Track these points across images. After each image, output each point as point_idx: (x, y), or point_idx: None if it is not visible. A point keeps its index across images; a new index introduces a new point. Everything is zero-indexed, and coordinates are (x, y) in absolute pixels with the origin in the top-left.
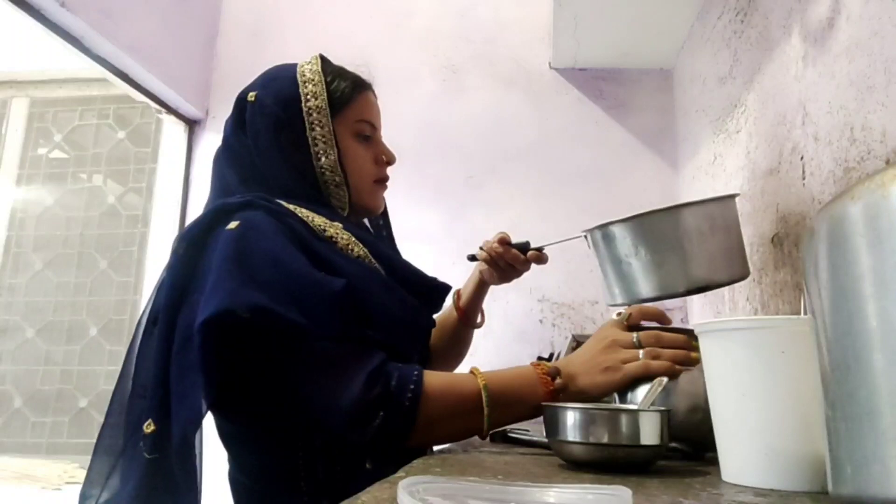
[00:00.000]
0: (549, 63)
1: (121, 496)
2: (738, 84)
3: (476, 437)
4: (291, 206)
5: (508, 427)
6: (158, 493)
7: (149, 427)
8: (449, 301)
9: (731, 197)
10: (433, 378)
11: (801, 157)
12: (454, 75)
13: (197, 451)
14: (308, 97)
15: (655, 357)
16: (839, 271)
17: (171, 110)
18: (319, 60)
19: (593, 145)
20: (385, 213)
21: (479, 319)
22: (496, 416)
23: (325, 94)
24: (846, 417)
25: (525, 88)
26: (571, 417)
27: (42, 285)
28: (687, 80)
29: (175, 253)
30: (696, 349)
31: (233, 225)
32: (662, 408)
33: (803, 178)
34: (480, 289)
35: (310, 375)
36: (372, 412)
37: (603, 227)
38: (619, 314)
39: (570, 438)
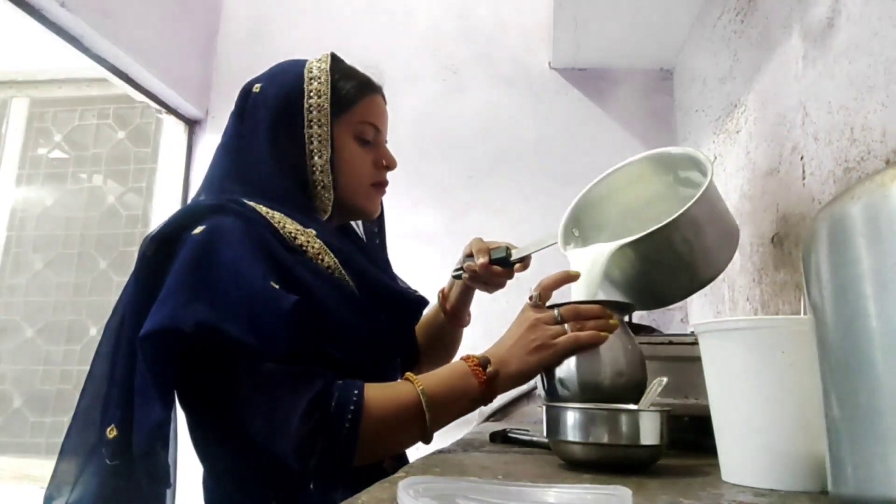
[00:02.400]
0: (549, 63)
1: (84, 500)
2: (738, 84)
3: (476, 437)
4: (264, 210)
5: (508, 427)
6: (121, 499)
7: (111, 432)
8: (434, 301)
9: (710, 182)
10: (373, 392)
11: (801, 157)
12: (454, 75)
13: (171, 458)
14: (311, 94)
15: (580, 329)
16: (839, 271)
17: (171, 110)
18: (330, 59)
19: (593, 145)
20: (381, 220)
21: (466, 319)
22: (437, 418)
23: (329, 93)
24: (846, 417)
25: (525, 88)
26: (571, 417)
27: (42, 285)
28: (687, 80)
29: (143, 255)
30: (612, 316)
31: (199, 230)
32: (662, 408)
33: (803, 178)
34: (467, 291)
35: (251, 398)
36: (312, 440)
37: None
38: (531, 297)
39: (570, 438)
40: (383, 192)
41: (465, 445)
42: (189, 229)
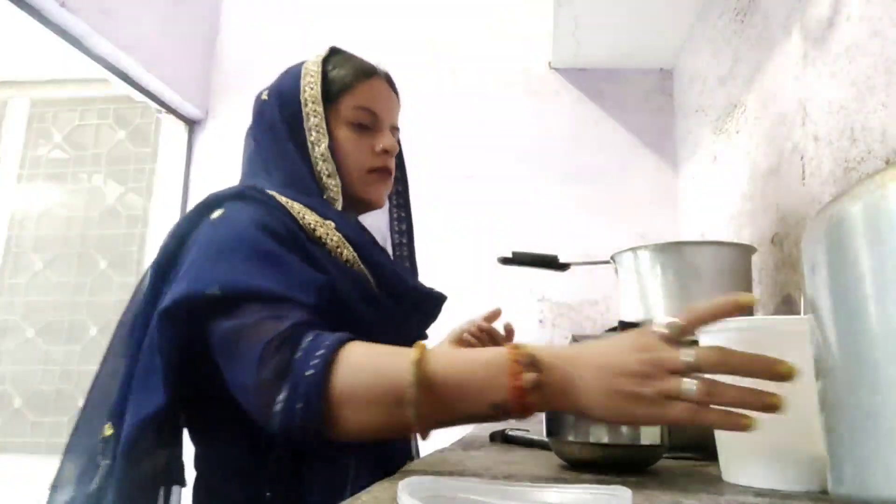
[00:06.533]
0: (549, 63)
1: (78, 500)
2: (738, 84)
3: (476, 437)
4: (284, 200)
5: (508, 427)
6: (118, 500)
7: (108, 430)
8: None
9: (750, 249)
10: (361, 347)
11: (801, 157)
12: (454, 75)
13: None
14: (305, 88)
15: (714, 396)
16: (839, 271)
17: (171, 110)
18: (328, 51)
19: (593, 145)
20: (410, 231)
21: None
22: (431, 406)
23: (321, 82)
24: (846, 417)
25: (525, 88)
26: (571, 417)
27: (42, 285)
28: (687, 80)
29: (164, 247)
30: (785, 365)
31: (216, 214)
32: None
33: (803, 178)
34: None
35: (227, 345)
36: (272, 389)
37: (632, 250)
38: (667, 325)
39: (570, 438)
40: (385, 179)
41: (465, 445)
42: (206, 216)
